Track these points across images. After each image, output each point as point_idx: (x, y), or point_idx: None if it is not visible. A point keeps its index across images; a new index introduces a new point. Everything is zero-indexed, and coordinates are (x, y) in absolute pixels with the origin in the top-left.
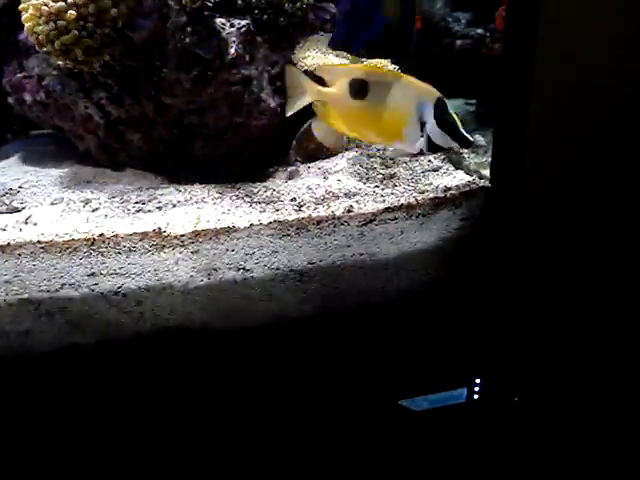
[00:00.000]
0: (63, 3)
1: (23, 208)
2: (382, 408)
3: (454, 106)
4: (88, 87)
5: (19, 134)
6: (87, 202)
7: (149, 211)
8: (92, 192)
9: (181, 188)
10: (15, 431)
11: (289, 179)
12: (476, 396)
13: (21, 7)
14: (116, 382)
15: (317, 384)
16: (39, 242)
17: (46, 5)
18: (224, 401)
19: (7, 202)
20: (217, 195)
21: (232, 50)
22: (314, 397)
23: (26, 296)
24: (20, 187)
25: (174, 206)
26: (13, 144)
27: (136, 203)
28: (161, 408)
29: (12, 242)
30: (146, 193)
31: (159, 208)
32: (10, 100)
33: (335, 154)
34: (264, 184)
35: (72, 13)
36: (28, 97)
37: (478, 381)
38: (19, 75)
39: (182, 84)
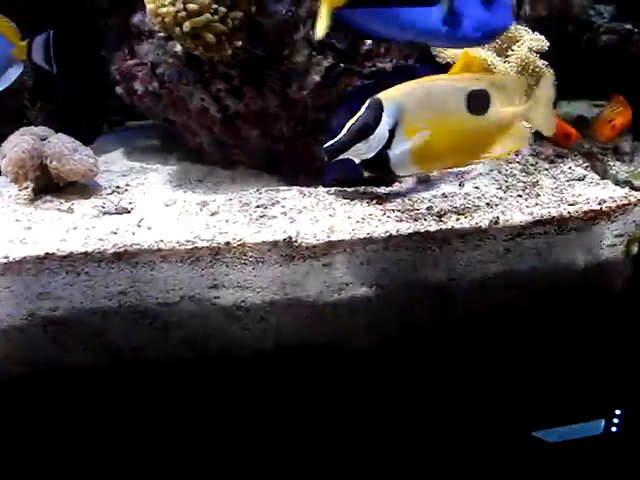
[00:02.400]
0: None
1: (132, 209)
2: (516, 438)
3: (579, 108)
4: (206, 78)
5: (114, 125)
6: (204, 204)
7: (274, 217)
8: (206, 193)
9: (305, 191)
10: (125, 444)
11: (419, 184)
12: (614, 429)
13: None
14: (231, 402)
15: (454, 407)
16: (159, 250)
17: None
18: (349, 424)
19: (115, 202)
20: (345, 201)
21: (368, 41)
22: (451, 421)
23: (142, 309)
24: (127, 185)
25: (300, 212)
26: (110, 136)
27: (257, 207)
28: (280, 428)
29: (129, 249)
30: (266, 196)
31: (284, 214)
32: (118, 89)
33: None
34: (392, 189)
35: None
36: (139, 86)
37: (618, 413)
38: (130, 62)
39: (312, 76)
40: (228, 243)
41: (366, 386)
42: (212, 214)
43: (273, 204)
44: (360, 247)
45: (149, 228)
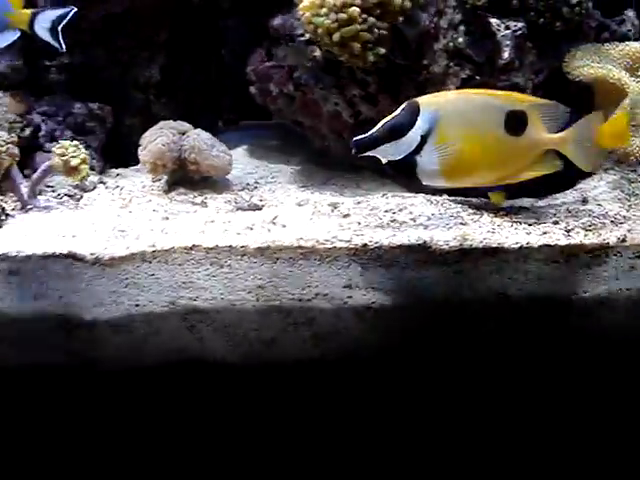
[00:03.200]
0: None
1: (263, 206)
2: None
3: None
4: (342, 83)
5: (228, 123)
6: (335, 206)
7: (404, 222)
8: (333, 195)
9: (432, 199)
10: (238, 443)
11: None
12: None
13: None
14: (357, 401)
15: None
16: (300, 247)
17: None
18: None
19: (247, 198)
20: (472, 210)
21: (505, 54)
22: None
23: (277, 303)
24: (256, 183)
25: (429, 219)
26: (229, 134)
27: (386, 212)
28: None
29: (271, 245)
30: (393, 201)
31: (413, 220)
32: (252, 89)
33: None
34: (515, 202)
35: (356, 9)
36: (274, 88)
37: None
38: (267, 64)
39: (448, 87)
40: (365, 245)
41: (481, 384)
42: (344, 216)
43: (401, 209)
44: (491, 256)
45: (284, 226)
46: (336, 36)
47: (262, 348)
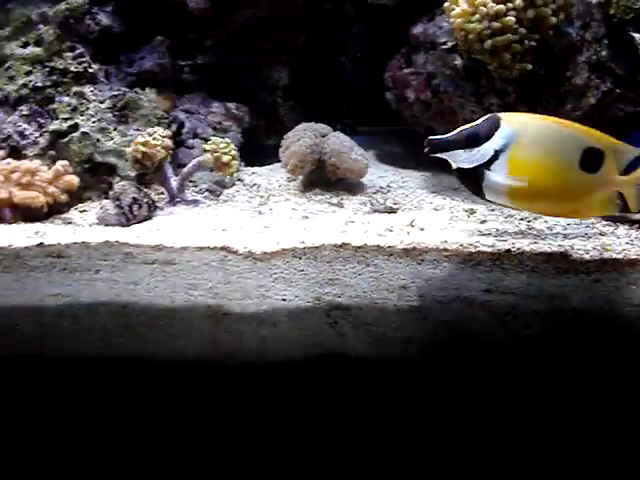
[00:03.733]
0: (503, 6)
1: (397, 209)
2: None
3: None
4: (481, 92)
5: (346, 128)
6: (471, 212)
7: (541, 231)
8: (466, 201)
9: None
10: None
11: None
12: None
13: (448, 2)
14: (487, 402)
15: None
16: (445, 250)
17: (484, 5)
18: None
19: (381, 201)
20: (606, 223)
21: None
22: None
23: (417, 304)
24: (388, 186)
25: (565, 228)
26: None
27: (521, 220)
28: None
29: (417, 246)
30: None
31: (549, 228)
32: (388, 95)
33: None
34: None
35: (511, 18)
36: (411, 94)
37: None
38: (405, 71)
39: (588, 99)
40: (509, 251)
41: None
42: (481, 222)
43: (536, 218)
44: (630, 267)
45: (422, 229)
46: (487, 43)
47: (400, 347)
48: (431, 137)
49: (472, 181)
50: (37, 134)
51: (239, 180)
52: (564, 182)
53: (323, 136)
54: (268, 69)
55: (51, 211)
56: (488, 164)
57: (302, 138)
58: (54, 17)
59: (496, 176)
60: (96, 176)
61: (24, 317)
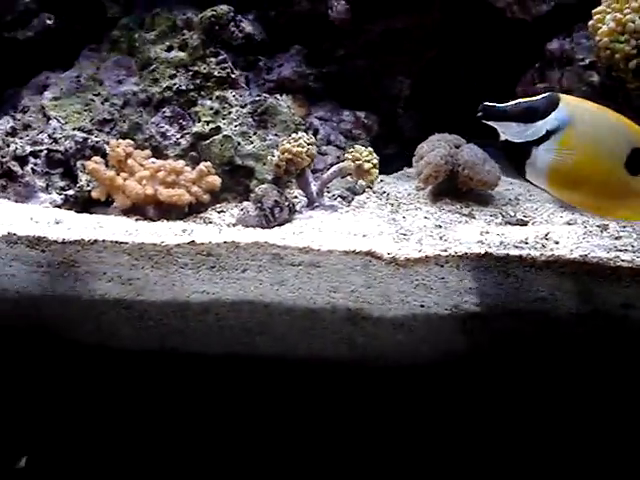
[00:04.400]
0: None
1: (528, 222)
2: None
3: None
4: (617, 109)
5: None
6: (604, 228)
7: None
8: (593, 216)
9: None
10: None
11: None
12: None
13: (594, 20)
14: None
15: None
16: (585, 264)
17: (633, 22)
18: None
19: (512, 213)
20: None
21: None
22: None
23: (554, 315)
24: (517, 199)
25: None
26: None
27: None
28: None
29: (558, 259)
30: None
31: None
32: None
33: None
34: None
35: None
36: None
37: None
38: (539, 86)
39: None
40: None
41: None
42: (616, 238)
43: None
44: None
45: (556, 242)
46: (632, 63)
47: (535, 359)
48: (486, 103)
49: (516, 157)
50: (178, 135)
51: (369, 187)
52: (606, 177)
53: (457, 147)
54: (391, 79)
55: (190, 210)
56: (537, 143)
57: (437, 148)
58: (199, 23)
59: (542, 157)
60: (234, 178)
61: (169, 312)
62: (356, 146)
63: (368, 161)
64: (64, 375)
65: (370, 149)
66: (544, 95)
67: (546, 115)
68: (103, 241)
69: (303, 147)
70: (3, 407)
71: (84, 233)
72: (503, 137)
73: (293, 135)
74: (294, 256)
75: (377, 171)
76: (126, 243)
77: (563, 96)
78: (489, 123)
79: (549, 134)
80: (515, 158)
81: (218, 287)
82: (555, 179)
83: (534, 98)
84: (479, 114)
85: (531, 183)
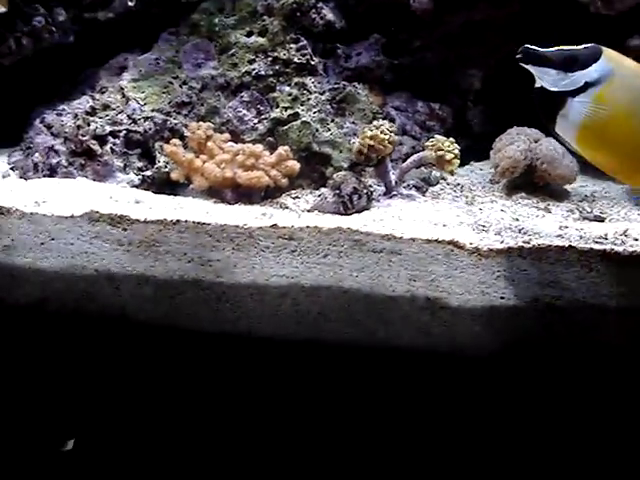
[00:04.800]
0: None
1: (604, 218)
2: None
3: None
4: None
5: None
6: None
7: None
8: None
9: None
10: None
11: None
12: None
13: None
14: None
15: None
16: None
17: None
18: None
19: (588, 209)
20: None
21: None
22: None
23: (635, 312)
24: (592, 195)
25: None
26: None
27: None
28: None
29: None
30: None
31: None
32: None
33: None
34: None
35: None
36: None
37: None
38: None
39: None
40: None
41: None
42: None
43: None
44: None
45: (636, 239)
46: None
47: (612, 353)
48: (527, 45)
49: (549, 107)
50: (256, 120)
51: (442, 179)
52: (637, 141)
53: (535, 141)
54: (463, 72)
55: (266, 195)
56: (573, 94)
57: (515, 142)
58: (280, 9)
59: (576, 109)
60: (309, 165)
61: (247, 295)
62: (437, 136)
63: (450, 151)
64: (136, 356)
65: (451, 139)
66: (587, 45)
67: (587, 66)
68: (185, 221)
69: (386, 134)
70: (69, 388)
71: (166, 213)
72: (538, 84)
73: (375, 122)
74: (376, 243)
75: (458, 162)
76: (208, 224)
77: (606, 49)
78: (527, 67)
79: (587, 86)
80: (547, 108)
81: (298, 271)
82: (586, 135)
83: (577, 47)
84: (518, 57)
85: (557, 138)
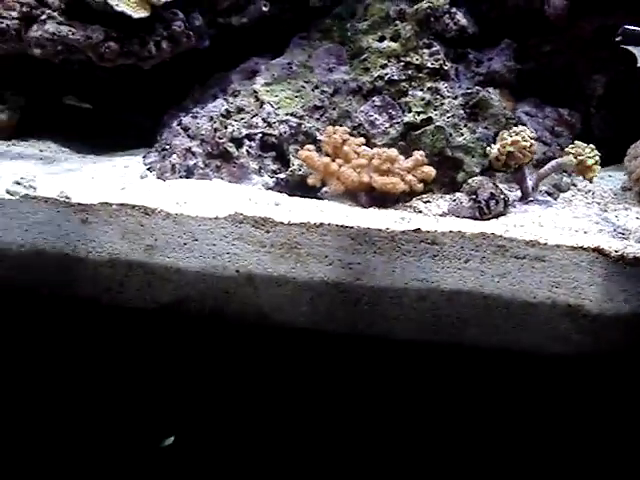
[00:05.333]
0: None
1: None
2: None
3: None
4: None
5: None
6: None
7: None
8: None
9: None
10: None
11: None
12: None
13: None
14: None
15: None
16: None
17: None
18: None
19: None
20: None
21: None
22: None
23: None
24: None
25: None
26: None
27: None
28: None
29: None
30: None
31: None
32: None
33: None
34: None
35: None
36: None
37: None
38: None
39: None
40: None
41: None
42: None
43: None
44: None
45: None
46: None
47: None
48: (627, 26)
49: None
50: (387, 124)
51: (573, 185)
52: None
53: None
54: (587, 78)
55: (398, 199)
56: None
57: None
58: (413, 14)
59: None
60: (441, 169)
61: (386, 298)
62: (577, 142)
63: (591, 157)
64: (274, 358)
65: (592, 145)
66: None
67: None
68: (328, 224)
69: (527, 142)
70: (205, 388)
71: (307, 216)
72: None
73: (514, 129)
74: (519, 249)
75: (599, 168)
76: (351, 227)
77: None
78: (628, 47)
79: None
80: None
81: (438, 276)
82: None
83: None
84: (617, 38)
85: None
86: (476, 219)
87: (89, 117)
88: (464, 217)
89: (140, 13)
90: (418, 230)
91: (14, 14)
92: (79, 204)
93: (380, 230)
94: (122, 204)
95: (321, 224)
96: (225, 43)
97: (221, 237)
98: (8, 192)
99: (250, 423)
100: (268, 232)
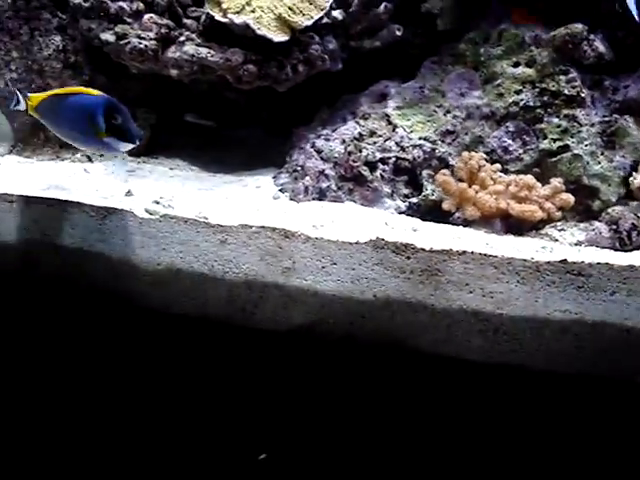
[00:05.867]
0: None
1: None
2: None
3: None
4: None
5: None
6: None
7: None
8: None
9: None
10: None
11: None
12: None
13: None
14: None
15: None
16: None
17: None
18: None
19: None
20: None
21: None
22: None
23: None
24: None
25: None
26: None
27: None
28: None
29: None
30: None
31: None
32: None
33: None
34: None
35: None
36: None
37: None
38: None
39: None
40: None
41: None
42: None
43: None
44: None
45: None
46: None
47: None
48: None
49: None
50: (521, 151)
51: None
52: None
53: None
54: None
55: (534, 227)
56: None
57: None
58: (550, 40)
59: None
60: (576, 197)
61: (526, 328)
62: None
63: None
64: (408, 384)
65: None
66: None
67: None
68: (472, 252)
69: None
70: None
71: (447, 243)
72: None
73: None
74: None
75: None
76: (495, 256)
77: None
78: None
79: None
80: None
81: (582, 307)
82: None
83: None
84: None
85: None
86: (616, 250)
87: (209, 134)
88: (603, 247)
89: (280, 37)
90: (564, 261)
91: (151, 34)
92: (219, 225)
93: (525, 260)
94: (262, 226)
95: (464, 252)
96: (354, 66)
97: (361, 262)
98: (147, 211)
99: (381, 451)
100: (409, 258)
